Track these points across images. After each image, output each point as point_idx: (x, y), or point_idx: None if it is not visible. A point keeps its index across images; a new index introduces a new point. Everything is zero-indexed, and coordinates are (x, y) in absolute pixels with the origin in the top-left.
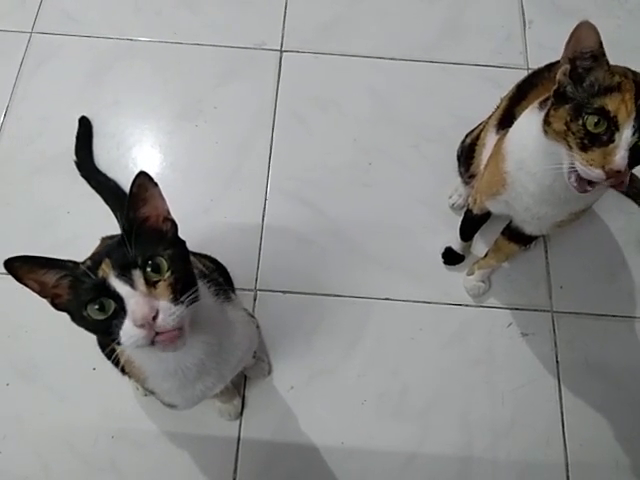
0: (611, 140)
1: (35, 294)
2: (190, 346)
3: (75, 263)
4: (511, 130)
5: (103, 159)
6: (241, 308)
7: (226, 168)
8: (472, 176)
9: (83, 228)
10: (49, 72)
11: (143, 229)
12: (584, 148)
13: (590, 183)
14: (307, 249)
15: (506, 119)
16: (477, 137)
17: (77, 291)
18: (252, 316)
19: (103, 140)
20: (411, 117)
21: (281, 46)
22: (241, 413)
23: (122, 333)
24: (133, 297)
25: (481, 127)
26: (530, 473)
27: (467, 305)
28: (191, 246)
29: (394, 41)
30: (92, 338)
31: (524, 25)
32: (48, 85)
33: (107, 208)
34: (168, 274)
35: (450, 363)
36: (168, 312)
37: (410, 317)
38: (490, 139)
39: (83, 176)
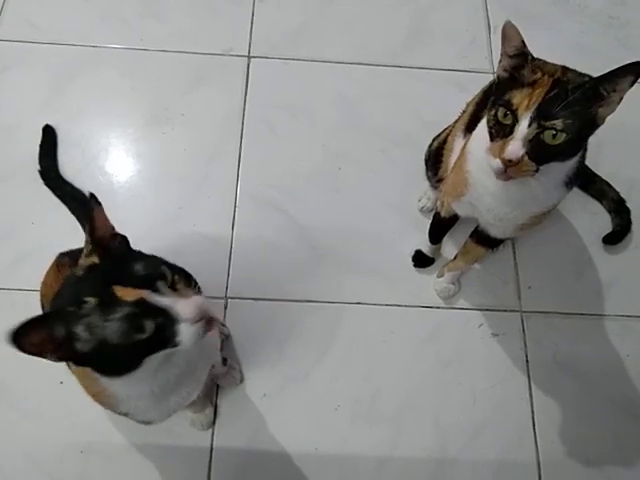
0: (511, 132)
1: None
2: (175, 354)
3: (76, 305)
4: (474, 132)
5: (69, 168)
6: None
7: (195, 175)
8: (440, 180)
9: (48, 239)
10: (12, 80)
11: (111, 248)
12: (492, 138)
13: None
14: (278, 255)
15: (473, 124)
16: (444, 141)
17: (97, 328)
18: (223, 324)
19: (68, 148)
20: (379, 122)
21: (249, 52)
22: (213, 422)
23: (182, 337)
24: (177, 303)
25: (448, 131)
26: (503, 472)
27: (438, 307)
28: (160, 254)
29: (361, 47)
30: None
31: (489, 30)
32: (11, 93)
33: (72, 218)
34: (176, 276)
35: (422, 365)
36: (203, 300)
37: (381, 321)
38: (457, 143)
39: (47, 185)
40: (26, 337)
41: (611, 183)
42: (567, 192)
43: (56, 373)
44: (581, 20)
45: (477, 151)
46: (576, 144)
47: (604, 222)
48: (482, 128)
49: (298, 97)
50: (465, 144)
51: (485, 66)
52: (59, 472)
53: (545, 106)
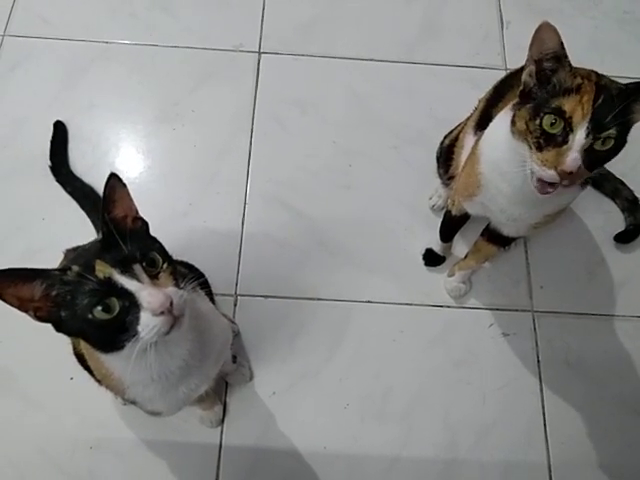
0: (565, 141)
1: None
2: (176, 346)
3: (61, 270)
4: (486, 131)
5: (79, 164)
6: (207, 301)
7: (205, 172)
8: (451, 177)
9: (58, 234)
10: (23, 75)
11: (121, 229)
12: (540, 148)
13: (550, 185)
14: (288, 252)
15: (484, 120)
16: (456, 138)
17: (73, 297)
18: (233, 322)
19: (78, 144)
20: (390, 118)
21: (259, 48)
22: (223, 420)
23: (141, 327)
24: (145, 289)
25: (460, 128)
26: (513, 473)
27: (448, 306)
28: (170, 250)
29: (373, 42)
30: (69, 347)
31: (502, 26)
32: (22, 89)
33: (83, 214)
34: (165, 265)
35: (432, 364)
36: (178, 296)
37: (391, 319)
38: (468, 141)
39: (58, 181)
40: (4, 284)
41: (625, 182)
42: (582, 190)
43: (66, 369)
44: (595, 15)
45: (490, 152)
46: (620, 146)
47: (617, 221)
48: (494, 128)
49: (309, 93)
50: (476, 142)
51: (498, 62)
52: (70, 466)
53: (598, 114)
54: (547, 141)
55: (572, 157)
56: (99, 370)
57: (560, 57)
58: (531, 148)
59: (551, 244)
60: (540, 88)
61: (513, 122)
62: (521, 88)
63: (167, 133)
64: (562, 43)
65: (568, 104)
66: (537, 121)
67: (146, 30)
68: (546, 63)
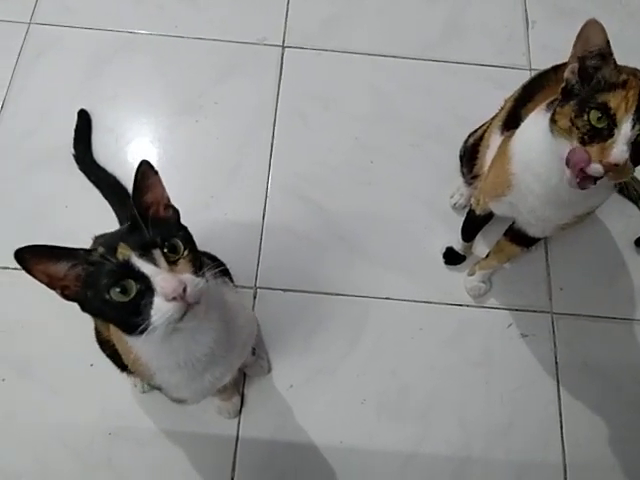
0: (610, 135)
1: (43, 286)
2: (201, 333)
3: (87, 250)
4: (518, 131)
5: (102, 153)
6: (235, 292)
7: (227, 164)
8: (475, 177)
9: (81, 222)
10: (47, 64)
11: (150, 215)
12: (584, 143)
13: (590, 180)
14: (308, 247)
15: (511, 120)
16: (480, 138)
17: (95, 277)
18: None
19: (102, 134)
20: (412, 116)
21: (283, 42)
22: (240, 411)
23: (154, 311)
24: (159, 274)
25: (484, 127)
26: (528, 473)
27: (467, 305)
28: None
29: (396, 39)
30: (90, 334)
31: (527, 25)
32: (46, 77)
33: (106, 202)
34: (186, 252)
35: (450, 363)
36: (194, 283)
37: (410, 317)
38: (494, 140)
39: (82, 170)
40: (30, 260)
41: None
42: (614, 191)
43: (87, 356)
44: (621, 17)
45: (523, 152)
46: None
47: (639, 226)
48: (527, 128)
49: (331, 88)
50: (504, 142)
51: (522, 62)
52: (88, 453)
53: None
54: (592, 137)
55: (619, 149)
56: (127, 355)
57: (605, 55)
58: (573, 144)
59: (572, 246)
60: (583, 85)
61: (553, 120)
62: (563, 85)
63: (190, 125)
64: (608, 41)
65: (613, 99)
66: (584, 117)
67: (171, 21)
68: (590, 60)
